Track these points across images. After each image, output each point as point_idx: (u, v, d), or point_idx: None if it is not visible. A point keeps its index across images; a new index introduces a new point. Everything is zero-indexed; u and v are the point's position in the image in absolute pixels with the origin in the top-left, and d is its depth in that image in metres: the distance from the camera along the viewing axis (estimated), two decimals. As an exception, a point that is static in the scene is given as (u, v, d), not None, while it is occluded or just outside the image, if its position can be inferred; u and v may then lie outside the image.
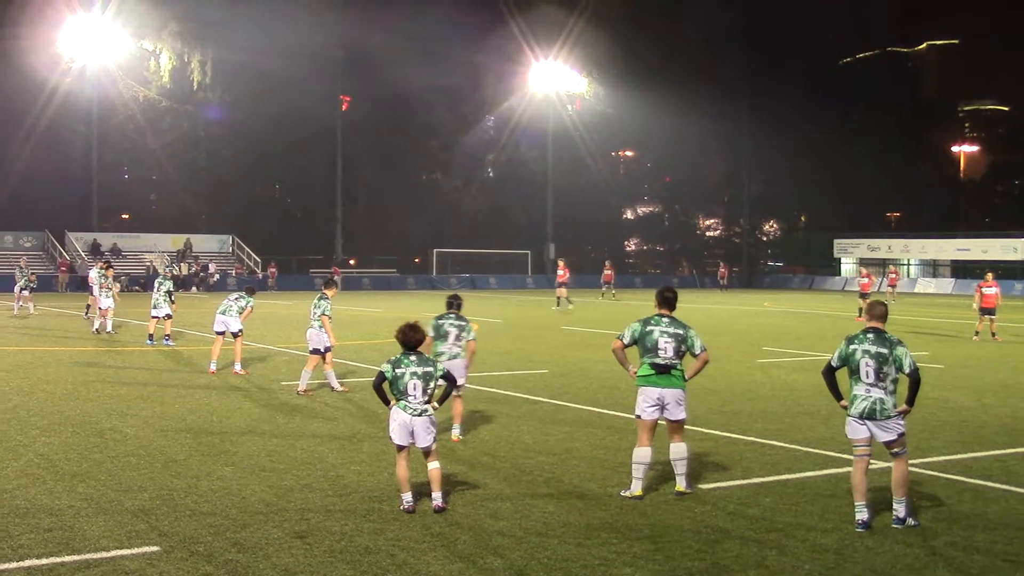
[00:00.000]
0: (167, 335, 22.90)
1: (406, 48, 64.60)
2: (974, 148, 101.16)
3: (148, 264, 57.73)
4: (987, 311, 26.63)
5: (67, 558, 7.22)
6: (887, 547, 7.77)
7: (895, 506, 8.36)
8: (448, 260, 70.50)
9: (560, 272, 41.34)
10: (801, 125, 76.35)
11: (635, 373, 9.35)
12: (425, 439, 8.63)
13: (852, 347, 8.47)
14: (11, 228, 58.05)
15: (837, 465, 10.58)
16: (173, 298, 23.16)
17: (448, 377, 8.96)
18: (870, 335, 8.45)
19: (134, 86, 62.20)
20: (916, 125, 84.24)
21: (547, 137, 73.61)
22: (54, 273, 52.97)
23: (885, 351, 8.32)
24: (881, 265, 64.72)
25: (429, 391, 8.71)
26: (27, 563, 7.12)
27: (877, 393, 8.31)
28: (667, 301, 9.49)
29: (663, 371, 9.20)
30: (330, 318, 15.44)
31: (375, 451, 10.99)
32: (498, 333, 27.06)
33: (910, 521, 8.32)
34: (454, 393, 11.67)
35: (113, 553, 7.36)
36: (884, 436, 8.33)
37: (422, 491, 8.83)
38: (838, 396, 8.72)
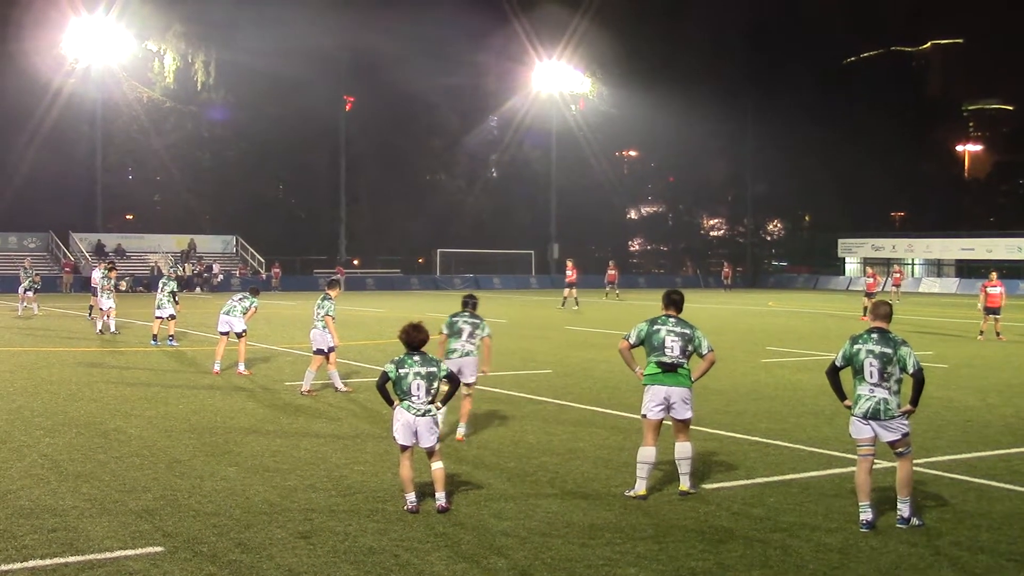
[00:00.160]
0: (171, 335, 22.92)
1: (410, 48, 64.65)
2: (978, 147, 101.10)
3: (152, 265, 57.81)
4: (991, 310, 26.59)
5: (71, 558, 7.23)
6: (891, 547, 7.75)
7: (899, 506, 8.34)
8: (452, 260, 70.52)
9: (569, 272, 41.35)
10: (805, 125, 76.27)
11: (642, 373, 9.34)
12: (428, 439, 8.63)
13: (856, 347, 8.45)
14: (15, 229, 58.15)
15: (841, 465, 10.56)
16: (177, 299, 23.20)
17: (451, 377, 8.95)
18: (874, 335, 8.44)
19: (138, 87, 62.28)
20: (920, 124, 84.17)
21: (551, 137, 73.60)
22: (58, 274, 53.08)
23: (889, 351, 8.30)
24: (885, 265, 64.58)
25: (432, 391, 8.71)
26: (31, 564, 7.13)
27: (881, 393, 8.29)
28: (674, 303, 9.50)
29: (670, 370, 9.19)
30: (334, 318, 15.44)
31: (379, 451, 10.99)
32: (502, 333, 26.99)
33: (914, 521, 8.31)
34: (464, 392, 11.74)
35: (117, 553, 7.36)
36: (888, 436, 8.31)
37: (426, 491, 8.83)
38: (842, 396, 8.71)
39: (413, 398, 8.62)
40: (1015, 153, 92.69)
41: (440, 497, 8.59)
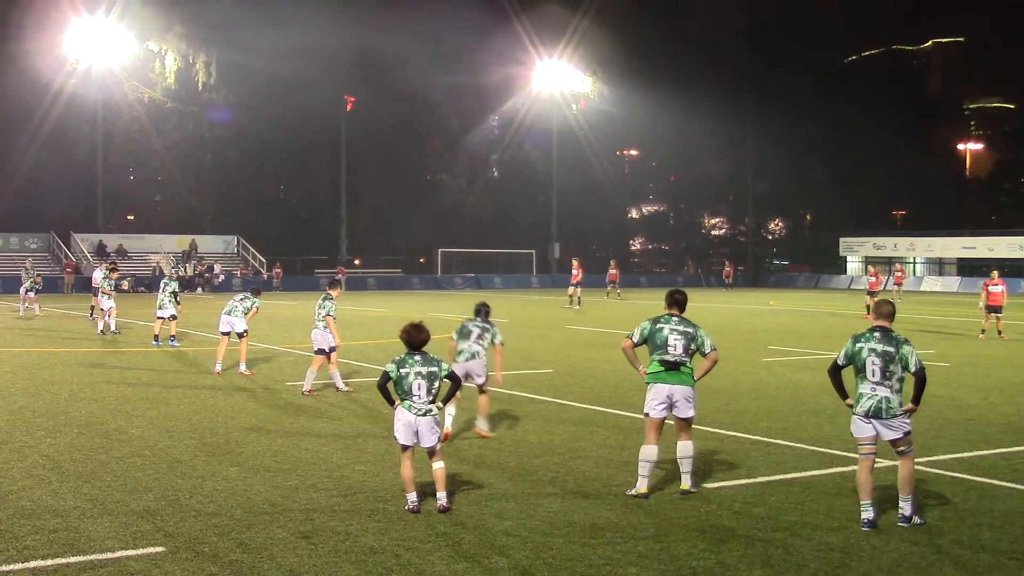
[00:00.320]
0: (172, 336, 22.93)
1: (410, 48, 64.68)
2: (979, 146, 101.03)
3: (154, 265, 57.83)
4: (993, 309, 26.59)
5: (72, 559, 7.23)
6: (893, 545, 7.75)
7: (901, 504, 8.34)
8: (453, 260, 70.53)
9: (574, 271, 41.40)
10: (806, 123, 76.26)
11: (644, 372, 9.34)
12: (429, 439, 8.63)
13: (858, 345, 8.45)
14: (17, 230, 58.18)
15: (843, 464, 10.56)
16: (178, 299, 23.22)
17: (452, 376, 8.95)
18: (876, 333, 8.43)
19: (139, 87, 62.32)
20: (921, 123, 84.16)
21: (551, 136, 73.61)
22: (60, 274, 53.10)
23: (891, 349, 8.30)
24: (887, 263, 64.60)
25: (433, 391, 8.71)
26: (32, 564, 7.13)
27: (883, 392, 8.29)
28: (677, 302, 9.51)
29: (673, 368, 9.19)
30: (335, 318, 15.45)
31: (380, 451, 10.99)
32: (503, 332, 27.01)
33: (916, 519, 8.31)
34: (481, 389, 11.79)
35: (118, 554, 7.37)
36: (890, 435, 8.31)
37: (427, 491, 8.83)
38: (843, 394, 8.70)
39: (414, 398, 8.62)
40: (1016, 151, 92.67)
41: (441, 497, 8.59)
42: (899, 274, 49.16)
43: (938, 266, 73.70)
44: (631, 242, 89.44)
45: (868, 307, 34.11)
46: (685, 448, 9.25)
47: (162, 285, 23.19)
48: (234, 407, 14.15)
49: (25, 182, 58.21)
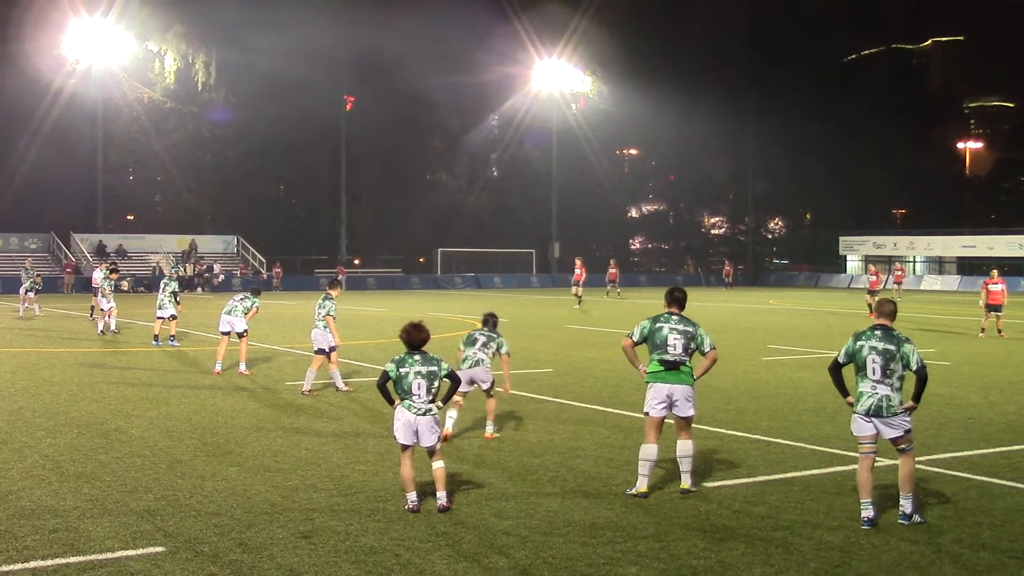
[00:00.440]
0: (172, 336, 22.94)
1: (410, 48, 64.68)
2: (979, 145, 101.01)
3: (154, 265, 57.84)
4: (993, 308, 26.59)
5: (72, 559, 7.23)
6: (893, 544, 7.75)
7: (902, 502, 8.34)
8: (452, 259, 70.54)
9: (577, 271, 41.42)
10: (806, 123, 76.27)
11: (644, 371, 9.34)
12: (429, 438, 8.62)
13: (859, 343, 8.45)
14: (16, 230, 58.18)
15: (843, 463, 10.56)
16: (178, 299, 23.22)
17: (452, 376, 8.95)
18: (878, 332, 8.44)
19: (139, 87, 62.32)
20: (921, 122, 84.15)
21: (551, 136, 73.60)
22: (59, 275, 53.10)
23: (892, 348, 8.30)
24: (887, 262, 64.60)
25: (433, 390, 8.70)
26: (32, 564, 7.13)
27: (883, 390, 8.29)
28: (676, 300, 9.50)
29: (672, 367, 9.19)
30: (334, 318, 15.45)
31: (380, 451, 10.99)
32: (503, 332, 27.02)
33: (916, 517, 8.31)
34: (488, 393, 11.81)
35: (118, 554, 7.37)
36: (890, 433, 8.31)
37: (427, 490, 8.83)
38: (844, 392, 8.69)
39: (414, 397, 8.61)
40: (1016, 150, 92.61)
41: (441, 496, 8.59)
42: (899, 273, 49.13)
43: (938, 265, 73.71)
44: (631, 241, 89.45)
45: (871, 306, 34.11)
46: (685, 447, 9.25)
47: (162, 285, 23.19)
48: (234, 407, 14.15)
49: (25, 182, 58.22)
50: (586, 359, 20.65)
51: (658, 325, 9.30)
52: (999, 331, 26.43)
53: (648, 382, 9.29)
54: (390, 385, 8.77)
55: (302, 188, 73.61)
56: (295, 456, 10.76)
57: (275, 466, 10.27)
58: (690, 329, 9.28)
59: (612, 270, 48.94)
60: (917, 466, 8.75)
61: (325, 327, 15.38)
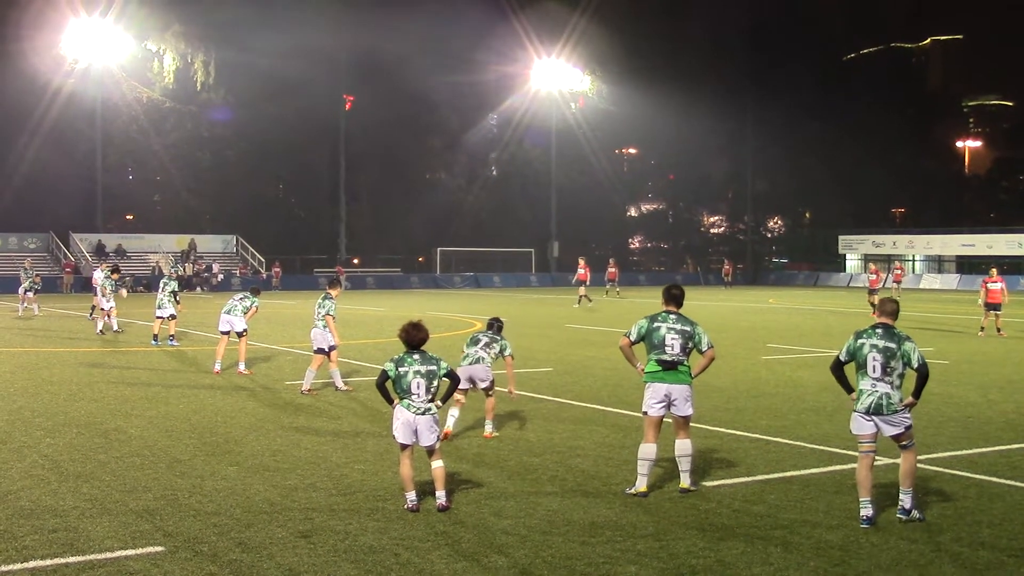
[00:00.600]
0: (171, 335, 22.94)
1: (409, 47, 64.70)
2: (978, 143, 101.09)
3: (153, 265, 57.84)
4: (992, 307, 26.59)
5: (71, 559, 7.23)
6: (892, 543, 7.75)
7: (901, 497, 8.35)
8: (452, 259, 70.57)
9: (581, 271, 41.46)
10: (805, 122, 76.31)
11: (642, 370, 9.34)
12: (428, 438, 8.62)
13: (860, 341, 8.47)
14: (16, 230, 58.18)
15: (842, 462, 10.56)
16: (178, 298, 23.22)
17: (451, 375, 8.95)
18: (879, 330, 8.46)
19: (138, 87, 62.31)
20: (920, 121, 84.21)
21: (550, 135, 73.61)
22: (59, 274, 53.09)
23: (893, 346, 8.32)
24: (886, 261, 64.63)
25: (432, 390, 8.70)
26: (32, 564, 7.13)
27: (883, 388, 8.30)
28: (674, 298, 9.48)
29: (670, 367, 9.18)
30: (334, 318, 15.44)
31: (379, 450, 10.99)
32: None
33: (915, 513, 8.32)
34: (487, 393, 11.80)
35: (117, 553, 7.36)
36: (891, 431, 8.31)
37: (426, 490, 8.83)
38: (848, 388, 8.66)
39: (413, 396, 8.61)
40: (1015, 149, 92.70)
41: (440, 496, 8.59)
42: (898, 272, 49.15)
43: (937, 264, 73.74)
44: (630, 240, 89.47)
45: (873, 305, 34.09)
46: (683, 447, 9.25)
47: (161, 285, 23.20)
48: (233, 406, 14.15)
49: (24, 182, 58.22)
50: (585, 358, 20.66)
51: (656, 325, 9.29)
52: (998, 330, 26.43)
53: (646, 382, 9.28)
54: (389, 384, 8.76)
55: (301, 188, 73.62)
56: (294, 455, 10.76)
57: (274, 465, 10.27)
58: (688, 328, 9.28)
59: (611, 269, 48.93)
60: (917, 460, 8.74)
61: (325, 326, 15.38)
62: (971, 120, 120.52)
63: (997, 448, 11.46)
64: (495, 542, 7.70)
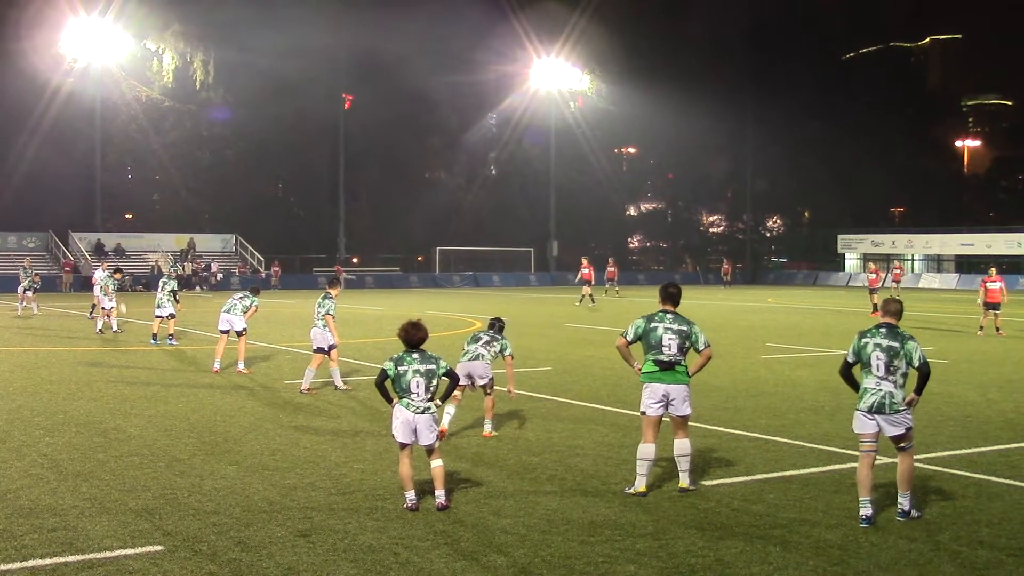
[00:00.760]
0: (171, 334, 22.94)
1: (409, 46, 64.69)
2: (977, 143, 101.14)
3: (152, 264, 57.83)
4: (991, 306, 26.59)
5: (71, 558, 7.23)
6: (891, 542, 7.75)
7: (900, 500, 8.36)
8: (451, 258, 70.58)
9: (584, 270, 41.51)
10: (805, 121, 76.32)
11: (640, 370, 9.33)
12: (428, 437, 8.62)
13: (864, 340, 8.49)
14: (15, 229, 58.16)
15: (841, 461, 10.56)
16: (178, 297, 23.23)
17: (450, 374, 8.95)
18: (882, 329, 8.48)
19: (137, 86, 62.31)
20: (919, 120, 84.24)
21: (550, 134, 73.61)
22: (58, 273, 53.08)
23: (896, 345, 8.34)
24: (885, 260, 64.65)
25: (432, 389, 8.70)
26: (31, 563, 7.13)
27: (887, 386, 8.32)
28: (671, 297, 9.47)
29: (668, 367, 9.18)
30: (334, 317, 15.45)
31: (378, 449, 10.99)
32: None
33: (914, 513, 8.34)
34: (485, 391, 11.80)
35: (117, 553, 7.36)
36: (893, 431, 8.32)
37: (425, 489, 8.83)
38: (858, 388, 8.65)
39: (412, 396, 8.61)
40: (1014, 148, 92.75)
41: (439, 495, 8.59)
42: (897, 271, 49.15)
43: (936, 263, 73.76)
44: (629, 240, 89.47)
45: (875, 305, 34.12)
46: (682, 446, 9.25)
47: (161, 284, 23.22)
48: (232, 406, 14.14)
49: (23, 181, 58.22)
50: (584, 357, 20.66)
51: (653, 325, 9.28)
52: (997, 329, 26.43)
53: (644, 382, 9.28)
54: (388, 383, 8.76)
55: (301, 187, 73.60)
56: (293, 455, 10.76)
57: (274, 465, 10.27)
58: (684, 328, 9.27)
59: (610, 268, 48.97)
60: (915, 464, 8.75)
61: (324, 326, 15.38)
62: (970, 120, 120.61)
63: (996, 447, 11.47)
64: (494, 541, 7.70)
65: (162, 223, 64.86)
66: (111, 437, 11.72)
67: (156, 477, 9.70)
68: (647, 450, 9.14)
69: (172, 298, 22.74)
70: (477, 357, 11.83)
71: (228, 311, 17.99)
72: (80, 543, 7.58)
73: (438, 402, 8.83)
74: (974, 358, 20.93)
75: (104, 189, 61.70)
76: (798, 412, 13.79)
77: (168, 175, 65.44)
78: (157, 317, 22.85)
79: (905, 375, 8.36)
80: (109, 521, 8.17)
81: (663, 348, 9.18)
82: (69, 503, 8.71)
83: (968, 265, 69.03)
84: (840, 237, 76.55)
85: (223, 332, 18.03)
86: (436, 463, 8.68)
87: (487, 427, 11.95)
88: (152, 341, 22.81)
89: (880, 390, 8.33)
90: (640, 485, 9.12)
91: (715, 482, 9.61)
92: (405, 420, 8.59)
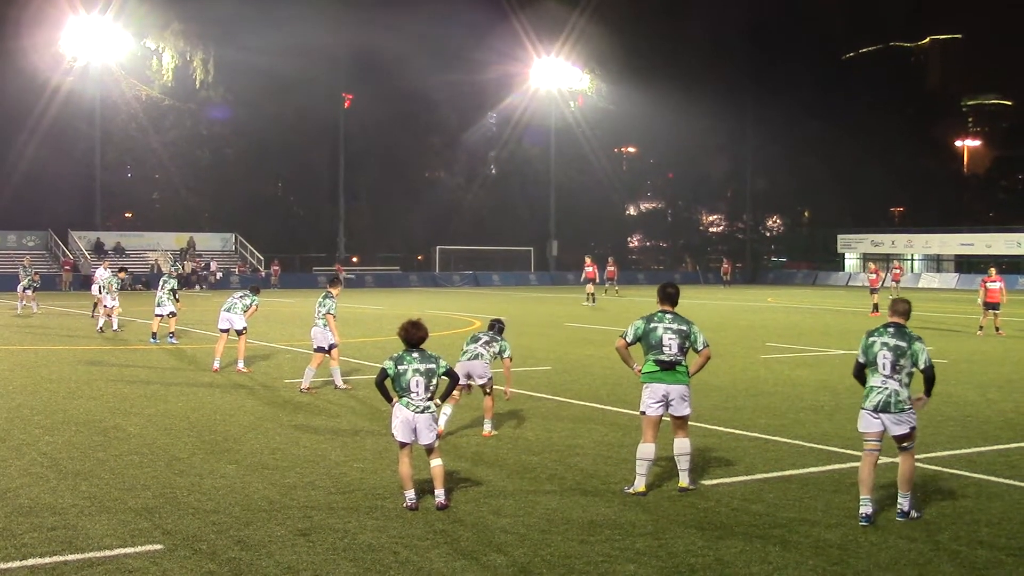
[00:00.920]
0: (172, 333, 22.97)
1: (409, 46, 64.67)
2: (977, 143, 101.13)
3: (152, 263, 57.83)
4: (991, 306, 26.59)
5: (70, 557, 7.22)
6: (891, 542, 7.75)
7: (900, 500, 8.36)
8: (451, 257, 70.58)
9: (588, 269, 41.54)
10: (805, 121, 76.32)
11: (640, 370, 9.33)
12: (427, 436, 8.62)
13: (871, 339, 8.52)
14: (15, 227, 58.17)
15: (840, 460, 10.56)
16: (177, 296, 23.24)
17: (450, 373, 8.95)
18: (890, 329, 8.50)
19: (137, 85, 62.30)
20: (919, 120, 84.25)
21: (550, 134, 73.62)
22: (57, 272, 53.07)
23: (904, 344, 8.36)
24: (885, 260, 64.67)
25: (431, 388, 8.70)
26: (30, 562, 7.12)
27: (893, 385, 8.33)
28: (669, 297, 9.48)
29: (668, 368, 9.18)
30: (335, 316, 15.45)
31: (378, 448, 10.99)
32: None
33: (913, 513, 8.35)
34: (485, 391, 11.80)
35: (116, 552, 7.36)
36: (897, 430, 8.32)
37: (425, 488, 8.82)
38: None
39: (412, 395, 8.61)
40: (1014, 148, 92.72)
41: (439, 494, 8.59)
42: (897, 271, 49.18)
43: (936, 263, 73.76)
44: (629, 239, 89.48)
45: (875, 305, 34.15)
46: (682, 446, 9.25)
47: (161, 283, 23.25)
48: (232, 405, 14.14)
49: (23, 180, 58.20)
50: (584, 357, 20.66)
51: (652, 325, 9.28)
52: (997, 329, 26.43)
53: (644, 382, 9.28)
54: (388, 383, 8.76)
55: (300, 186, 73.61)
56: (293, 454, 10.76)
57: (273, 464, 10.27)
58: (684, 328, 9.28)
59: (610, 268, 48.98)
60: (915, 464, 8.76)
61: (325, 325, 15.38)
62: (970, 119, 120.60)
63: (996, 447, 11.47)
64: (494, 540, 7.70)
65: (162, 222, 64.87)
66: (111, 436, 11.72)
67: (156, 476, 9.70)
68: (647, 450, 9.14)
69: (172, 297, 22.76)
70: (476, 356, 11.83)
71: (228, 310, 17.98)
72: (80, 542, 7.58)
73: (438, 401, 8.83)
74: (974, 358, 20.93)
75: (104, 188, 61.70)
76: (798, 412, 13.79)
77: (168, 174, 65.44)
78: (157, 316, 22.86)
79: (911, 375, 8.38)
80: (109, 520, 8.17)
81: (663, 348, 9.18)
82: (69, 502, 8.71)
83: (968, 265, 69.04)
84: (840, 237, 76.56)
85: (223, 331, 18.02)
86: (436, 462, 8.68)
87: (487, 426, 11.95)
88: (152, 340, 22.81)
89: (886, 388, 8.34)
90: (640, 485, 9.13)
91: (715, 482, 9.61)
92: (405, 419, 8.59)
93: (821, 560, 7.31)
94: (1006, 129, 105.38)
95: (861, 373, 8.65)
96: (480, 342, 11.99)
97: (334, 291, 15.80)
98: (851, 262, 77.15)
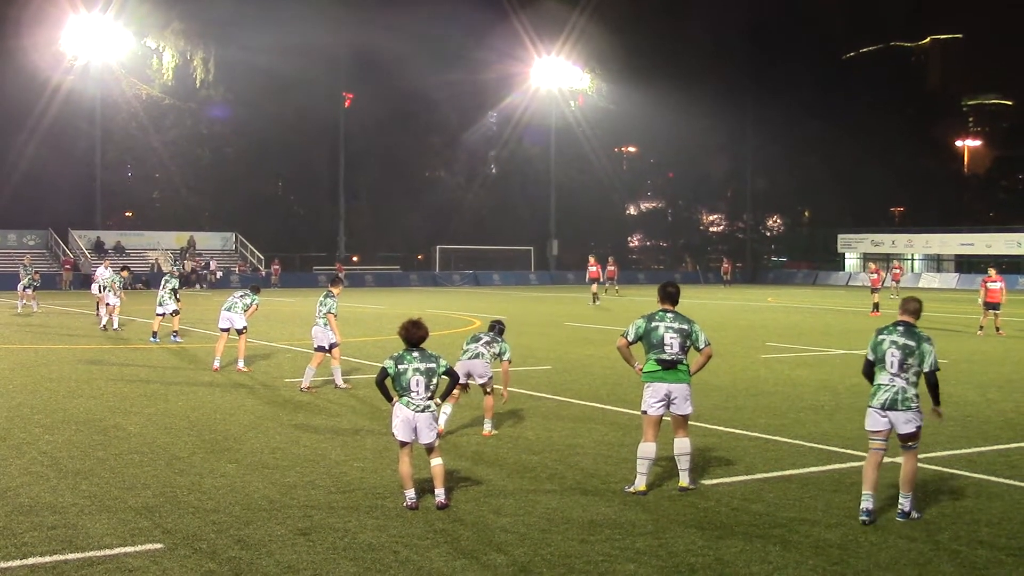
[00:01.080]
0: (175, 331, 23.00)
1: (409, 45, 64.66)
2: (978, 143, 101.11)
3: (152, 262, 57.83)
4: (991, 306, 26.59)
5: (70, 556, 7.22)
6: (891, 542, 7.75)
7: (901, 500, 8.36)
8: (451, 256, 70.59)
9: (592, 268, 41.51)
10: (805, 121, 76.32)
11: (641, 370, 9.33)
12: (428, 435, 8.62)
13: (880, 337, 8.54)
14: (15, 226, 58.17)
15: (841, 460, 10.56)
16: (178, 296, 23.25)
17: (450, 373, 8.95)
18: (900, 327, 8.52)
19: (137, 84, 62.31)
20: (920, 120, 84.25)
21: (550, 133, 73.62)
22: (58, 271, 53.08)
23: (912, 343, 8.38)
24: (885, 260, 64.66)
25: (432, 387, 8.71)
26: (31, 561, 7.13)
27: (900, 383, 8.36)
28: (670, 296, 9.48)
29: (670, 367, 9.18)
30: (336, 316, 15.46)
31: (378, 447, 10.99)
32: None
33: (913, 514, 8.34)
34: (485, 390, 11.80)
35: (116, 551, 7.36)
36: (904, 428, 8.33)
37: (425, 487, 8.83)
38: None
39: (412, 394, 8.62)
40: (1014, 148, 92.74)
41: (439, 493, 8.59)
42: (897, 271, 49.19)
43: (936, 263, 73.77)
44: (629, 239, 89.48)
45: (876, 304, 34.16)
46: (682, 445, 9.25)
47: (163, 282, 23.28)
48: (232, 404, 14.14)
49: (23, 179, 58.20)
50: (584, 356, 20.66)
51: (653, 324, 9.28)
52: (997, 329, 26.43)
53: (645, 381, 9.28)
54: (388, 382, 8.76)
55: (301, 185, 73.62)
56: (293, 453, 10.76)
57: (273, 463, 10.27)
58: (685, 327, 9.28)
59: (610, 267, 48.97)
60: (918, 464, 8.76)
61: (326, 324, 15.39)
62: (970, 119, 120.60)
63: (996, 447, 11.48)
64: (494, 540, 7.70)
65: (162, 221, 64.87)
66: (111, 435, 11.72)
67: (156, 475, 9.70)
68: (647, 449, 9.14)
69: (173, 296, 22.77)
70: (477, 356, 11.83)
71: (228, 309, 17.99)
72: (80, 541, 7.58)
73: (438, 400, 8.84)
74: (974, 358, 20.94)
75: (104, 187, 61.71)
76: (798, 411, 13.79)
77: (168, 173, 65.44)
78: (158, 315, 22.87)
79: (918, 374, 8.40)
80: (109, 519, 8.17)
81: (665, 347, 9.18)
82: (69, 501, 8.71)
83: (968, 265, 69.03)
84: (840, 237, 76.56)
85: (223, 330, 18.02)
86: (436, 461, 8.68)
87: (487, 426, 11.95)
88: (152, 339, 22.81)
89: (893, 386, 8.36)
90: (640, 484, 9.13)
91: (715, 481, 9.61)
92: (405, 418, 8.59)
93: (821, 560, 7.31)
94: (1006, 129, 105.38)
95: (870, 371, 8.65)
96: (481, 342, 12.00)
97: (335, 291, 15.82)
98: (851, 262, 77.16)
